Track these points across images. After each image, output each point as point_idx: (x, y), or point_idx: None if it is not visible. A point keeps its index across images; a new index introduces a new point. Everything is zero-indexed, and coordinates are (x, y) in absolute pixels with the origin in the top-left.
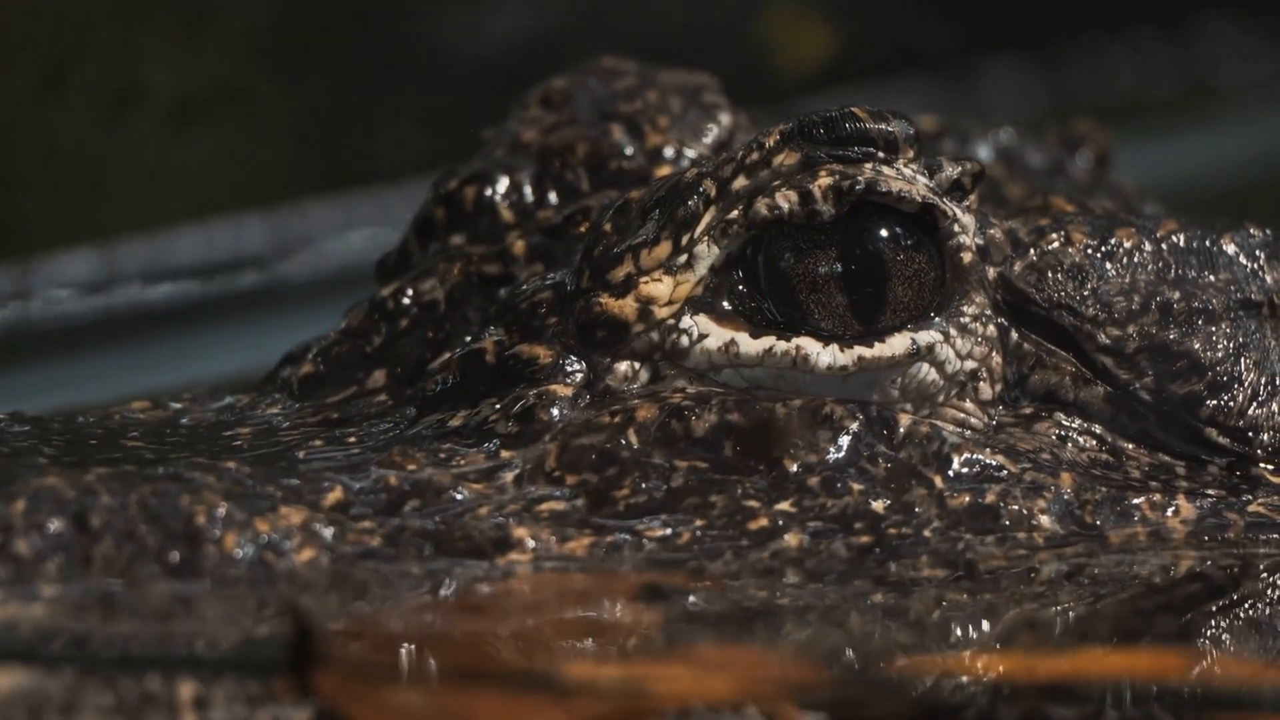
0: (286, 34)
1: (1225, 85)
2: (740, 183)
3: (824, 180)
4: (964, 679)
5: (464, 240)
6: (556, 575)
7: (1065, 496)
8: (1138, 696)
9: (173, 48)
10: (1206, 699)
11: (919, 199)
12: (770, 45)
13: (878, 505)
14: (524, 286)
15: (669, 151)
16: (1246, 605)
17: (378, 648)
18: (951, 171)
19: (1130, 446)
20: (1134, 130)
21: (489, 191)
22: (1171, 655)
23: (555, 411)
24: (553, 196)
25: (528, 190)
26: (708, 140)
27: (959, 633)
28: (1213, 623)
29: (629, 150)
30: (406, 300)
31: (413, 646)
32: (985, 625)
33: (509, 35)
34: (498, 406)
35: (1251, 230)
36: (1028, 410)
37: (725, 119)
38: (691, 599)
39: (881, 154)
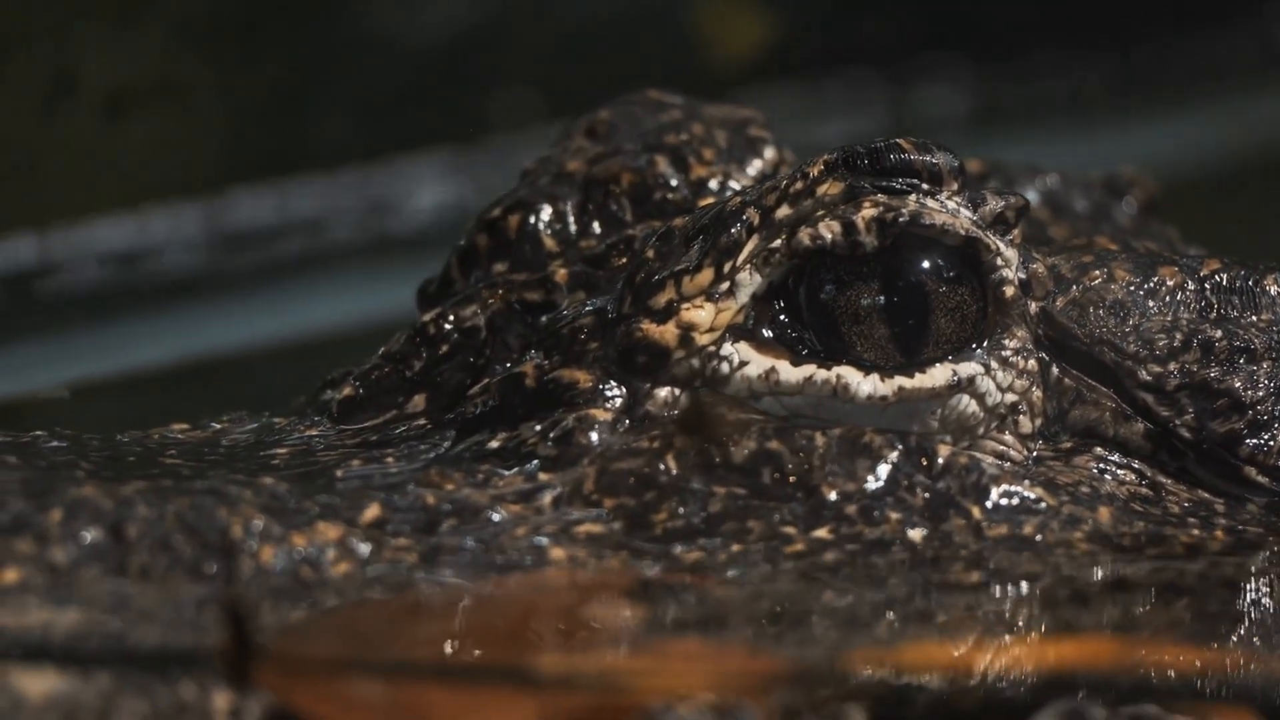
0: (223, 23)
1: (1164, 80)
2: (784, 212)
3: (868, 211)
4: (950, 675)
5: (506, 268)
6: (550, 573)
7: (1103, 530)
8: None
9: (108, 37)
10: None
11: (962, 232)
12: (704, 36)
13: (915, 534)
14: (565, 312)
15: (713, 184)
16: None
17: (338, 642)
18: (995, 205)
19: (1169, 483)
20: (1071, 126)
21: (532, 220)
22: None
23: (594, 436)
24: (596, 226)
25: (571, 219)
26: (752, 173)
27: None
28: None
29: (674, 182)
30: (448, 326)
31: (376, 641)
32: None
33: (446, 24)
34: (537, 429)
35: None
36: (1067, 445)
37: (770, 153)
38: (687, 597)
39: (926, 186)
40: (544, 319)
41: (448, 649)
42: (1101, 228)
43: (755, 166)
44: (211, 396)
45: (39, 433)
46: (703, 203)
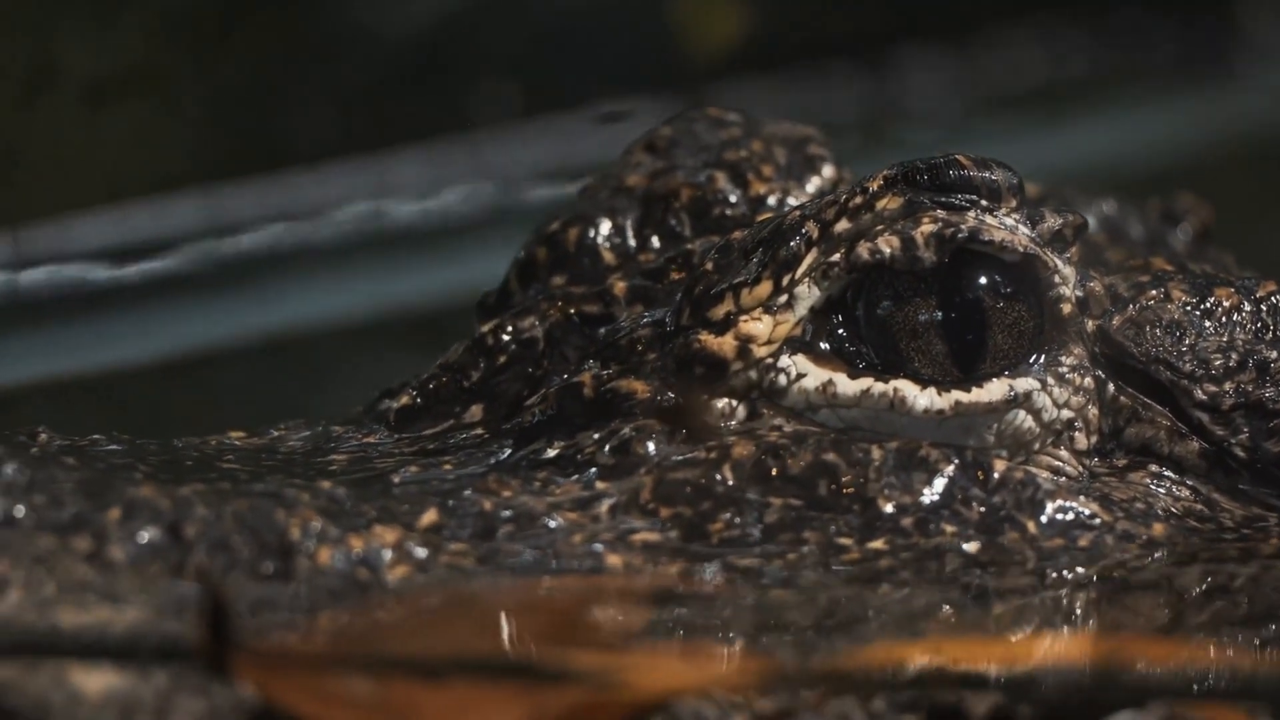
0: (203, 14)
1: (1137, 71)
2: (843, 226)
3: (927, 227)
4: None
5: (565, 281)
6: (570, 577)
7: (1157, 545)
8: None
9: (88, 28)
10: None
11: (1021, 249)
12: (682, 29)
13: (970, 547)
14: (624, 323)
15: (772, 200)
16: None
17: (332, 639)
18: (1053, 223)
19: (1223, 499)
20: (1047, 116)
21: (591, 233)
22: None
23: (651, 446)
24: (655, 241)
25: (630, 234)
26: (810, 190)
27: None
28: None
29: (733, 198)
30: (506, 337)
31: (371, 638)
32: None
33: (424, 17)
34: (594, 439)
35: None
36: (1122, 462)
37: (828, 171)
38: (708, 602)
39: (985, 202)
40: (602, 331)
41: (447, 646)
42: (1157, 253)
43: (814, 184)
44: (199, 392)
45: (96, 436)
46: (761, 219)
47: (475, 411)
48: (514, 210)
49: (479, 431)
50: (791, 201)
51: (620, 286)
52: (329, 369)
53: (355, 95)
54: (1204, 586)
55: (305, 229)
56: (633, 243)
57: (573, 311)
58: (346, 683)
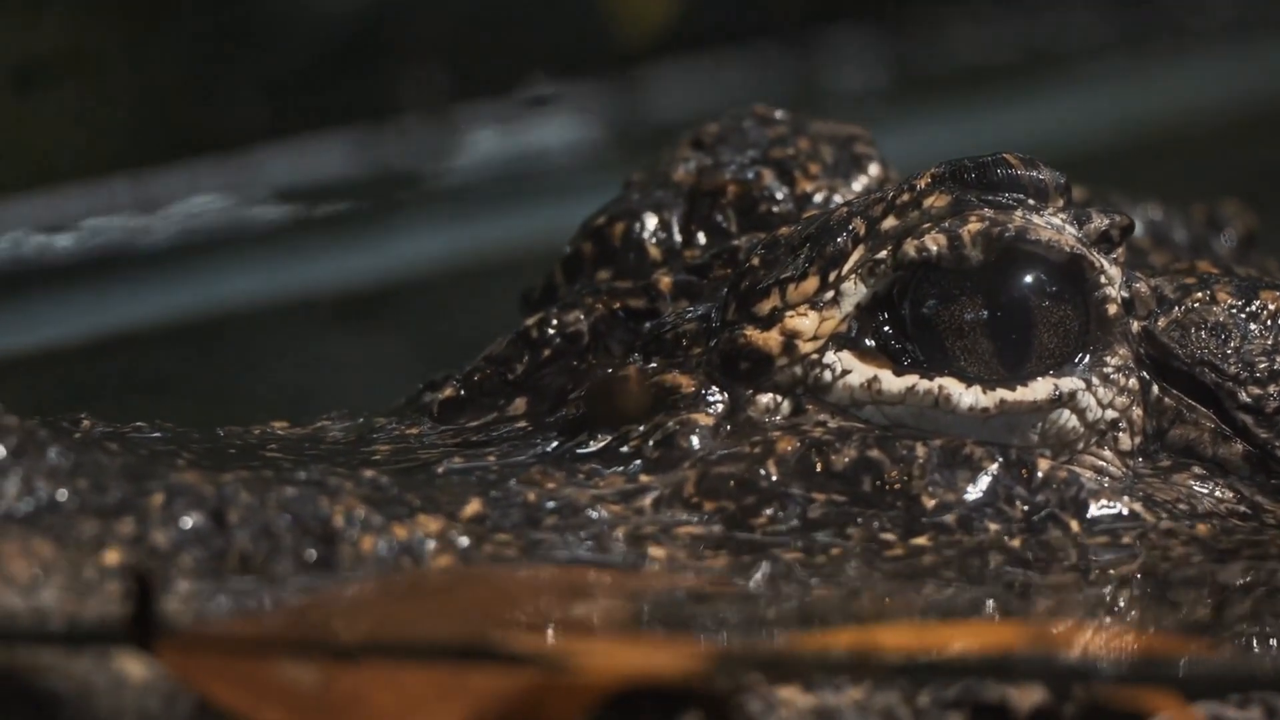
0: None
1: (1067, 52)
2: (890, 223)
3: (974, 225)
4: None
5: (610, 275)
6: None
7: (1202, 546)
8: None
9: (15, 10)
10: None
11: (1067, 249)
12: (612, 12)
13: (1013, 545)
14: (669, 318)
15: (818, 198)
16: None
17: (274, 625)
18: (1100, 223)
19: (1267, 501)
20: (974, 98)
21: (637, 228)
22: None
23: (696, 440)
24: (701, 237)
25: (675, 229)
26: (857, 188)
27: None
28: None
29: (779, 195)
30: (551, 330)
31: (326, 622)
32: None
33: (357, 1)
34: (639, 432)
35: None
36: (1166, 463)
37: (875, 169)
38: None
39: (1031, 201)
40: (647, 325)
41: (403, 631)
42: (1202, 257)
43: (860, 182)
44: (125, 375)
45: (140, 423)
46: (807, 215)
47: (519, 404)
48: (441, 193)
49: (522, 424)
50: (838, 199)
51: (666, 282)
52: (257, 351)
53: (286, 80)
54: (1243, 580)
55: (235, 211)
56: (678, 238)
57: (618, 306)
58: (288, 671)
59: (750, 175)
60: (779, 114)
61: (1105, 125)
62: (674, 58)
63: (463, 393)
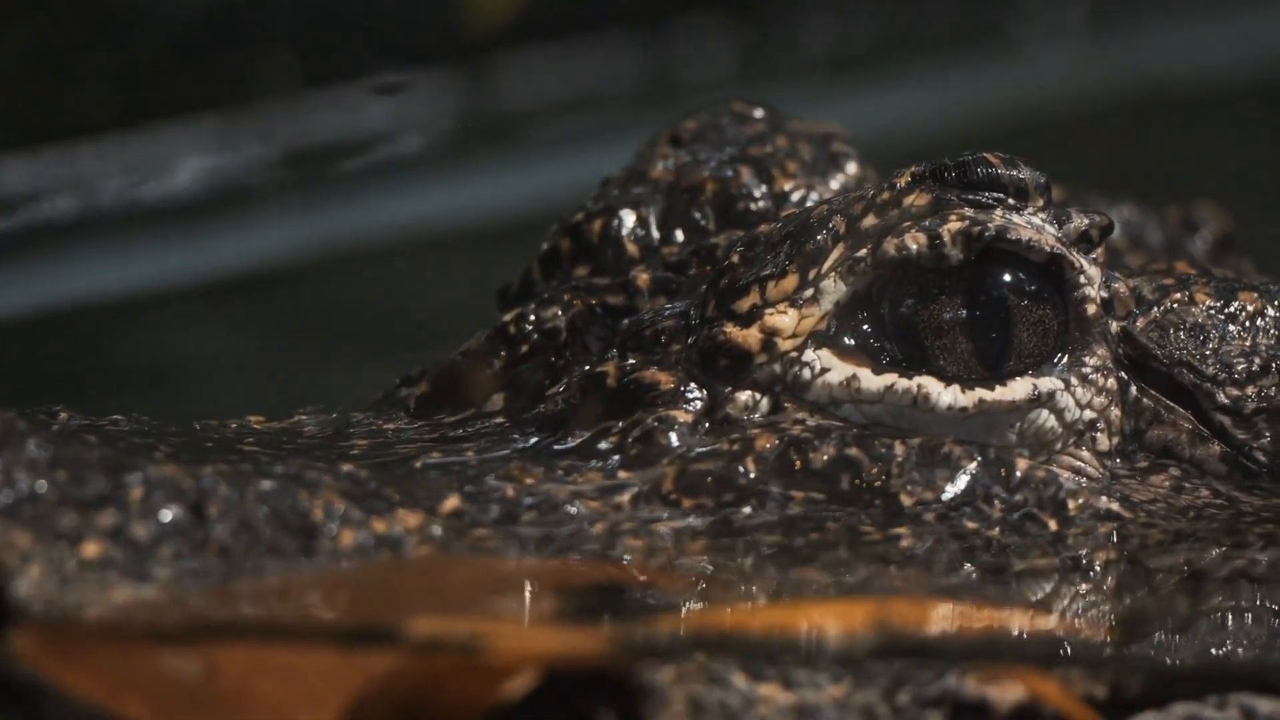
0: None
1: (918, 41)
2: (870, 221)
3: (954, 225)
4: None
5: (588, 272)
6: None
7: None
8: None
9: None
10: None
11: (1048, 249)
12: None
13: (987, 541)
14: (648, 315)
15: (796, 196)
16: None
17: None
18: (1080, 223)
19: (1243, 498)
20: (827, 87)
21: (615, 225)
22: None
23: (674, 436)
24: (678, 234)
25: (653, 226)
26: (835, 187)
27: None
28: None
29: (757, 193)
30: (528, 326)
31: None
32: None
33: None
34: (618, 428)
35: None
36: (1143, 464)
37: (852, 168)
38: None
39: (1012, 200)
40: (625, 322)
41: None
42: (1177, 259)
43: (838, 180)
44: None
45: (117, 417)
46: (786, 214)
47: (496, 400)
48: (300, 181)
49: (500, 420)
50: (816, 198)
51: (644, 278)
52: (108, 343)
53: (139, 67)
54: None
55: (88, 201)
56: (656, 235)
57: (595, 302)
58: (166, 662)
59: (728, 173)
60: (757, 111)
61: (958, 114)
62: (526, 45)
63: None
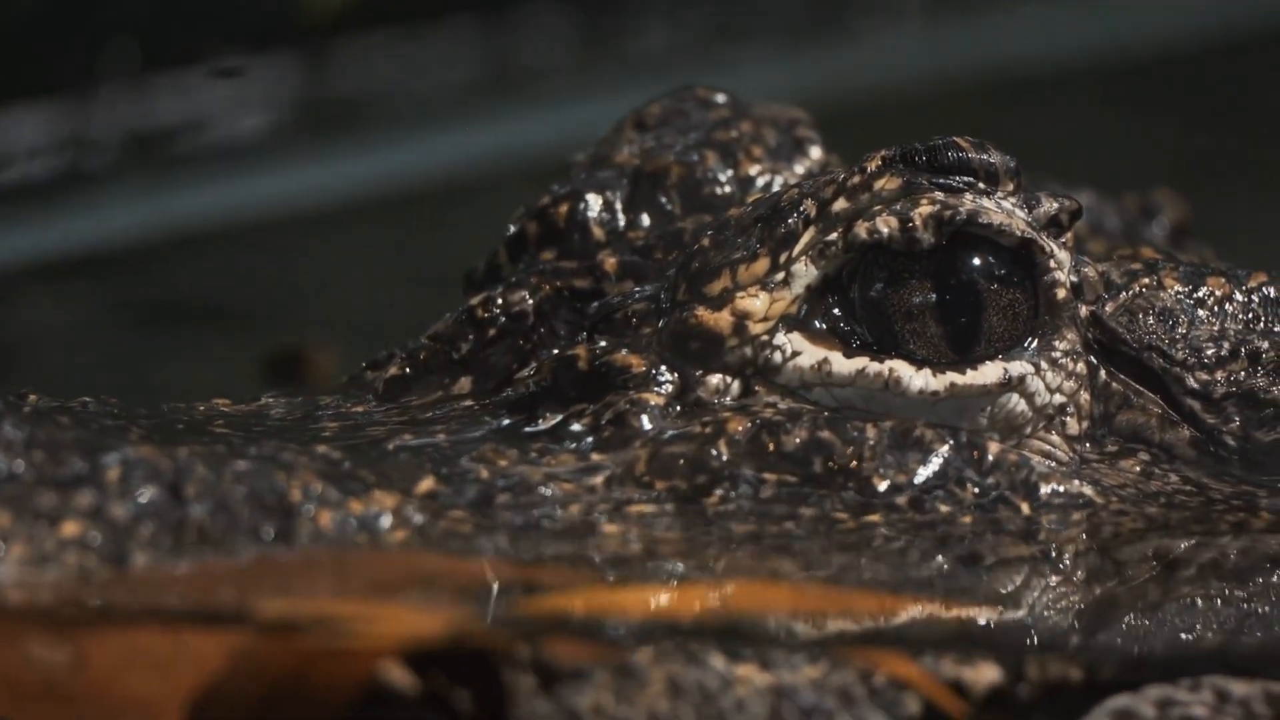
0: None
1: (754, 30)
2: (840, 205)
3: (925, 209)
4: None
5: (554, 256)
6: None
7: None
8: None
9: None
10: None
11: (1018, 233)
12: None
13: (964, 528)
14: (617, 298)
15: (761, 181)
16: None
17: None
18: (1049, 207)
19: (1212, 483)
20: (666, 75)
21: (582, 209)
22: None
23: (646, 419)
24: (645, 218)
25: (619, 210)
26: (800, 171)
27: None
28: None
29: (723, 177)
30: (496, 310)
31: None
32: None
33: None
34: (590, 411)
35: None
36: (1113, 448)
37: (817, 153)
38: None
39: (982, 184)
40: (595, 305)
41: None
42: (1136, 245)
43: (803, 165)
44: None
45: (86, 399)
46: (751, 199)
47: (464, 383)
48: (140, 165)
49: (469, 403)
50: (780, 182)
51: (611, 262)
52: None
53: None
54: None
55: None
56: (622, 219)
57: (563, 286)
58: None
59: (694, 157)
60: (720, 96)
61: (799, 100)
62: (366, 31)
63: (408, 370)
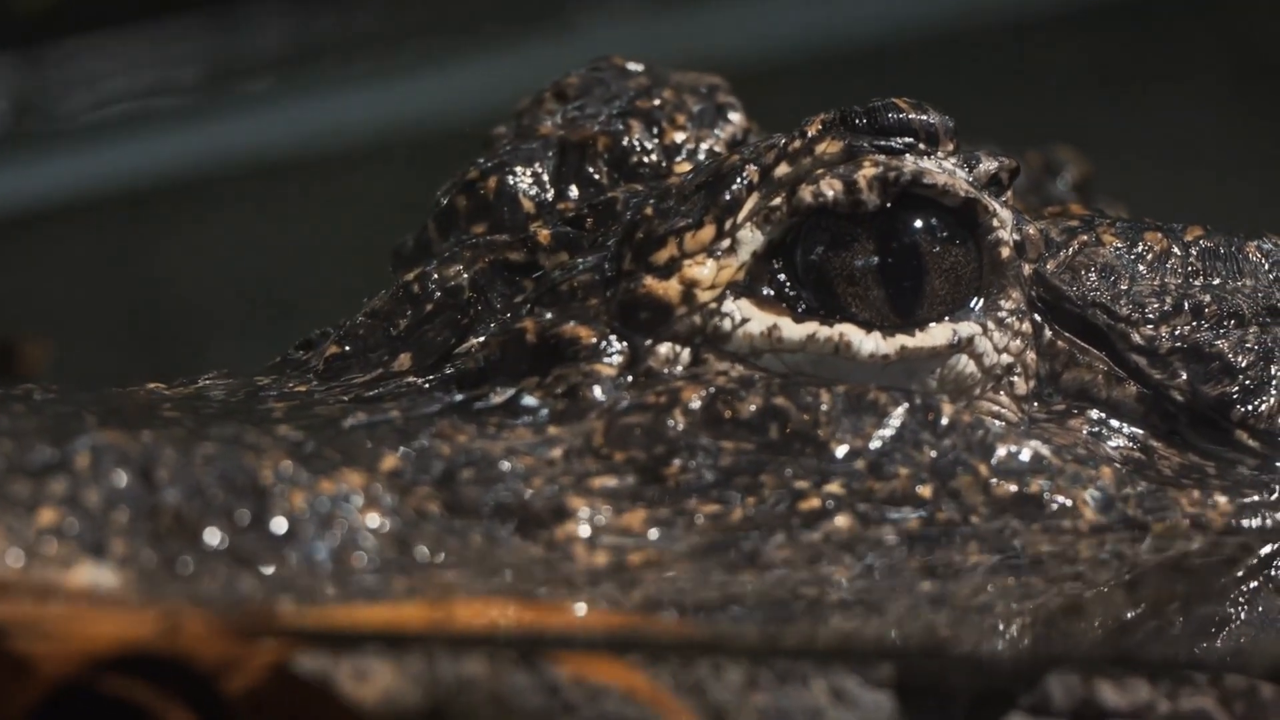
0: None
1: (469, 21)
2: (783, 170)
3: (868, 170)
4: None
5: (485, 229)
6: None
7: (1107, 489)
8: None
9: None
10: None
11: (961, 193)
12: None
13: (924, 490)
14: (559, 270)
15: (687, 148)
16: None
17: None
18: (989, 166)
19: (1160, 445)
20: (384, 67)
21: (511, 181)
22: None
23: (599, 390)
24: (573, 189)
25: (547, 182)
26: (723, 137)
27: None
28: None
29: (648, 145)
30: (431, 285)
31: None
32: None
33: None
34: (541, 384)
35: (1274, 240)
36: (1060, 407)
37: (736, 117)
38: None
39: (922, 145)
40: (535, 277)
41: None
42: (1047, 203)
43: (726, 131)
44: None
45: (30, 385)
46: (677, 166)
47: (404, 360)
48: None
49: (411, 379)
50: (705, 149)
51: (544, 234)
52: None
53: None
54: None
55: None
56: (550, 191)
57: (497, 259)
58: None
59: (619, 126)
60: (635, 65)
61: (516, 92)
62: (78, 31)
63: (347, 349)
